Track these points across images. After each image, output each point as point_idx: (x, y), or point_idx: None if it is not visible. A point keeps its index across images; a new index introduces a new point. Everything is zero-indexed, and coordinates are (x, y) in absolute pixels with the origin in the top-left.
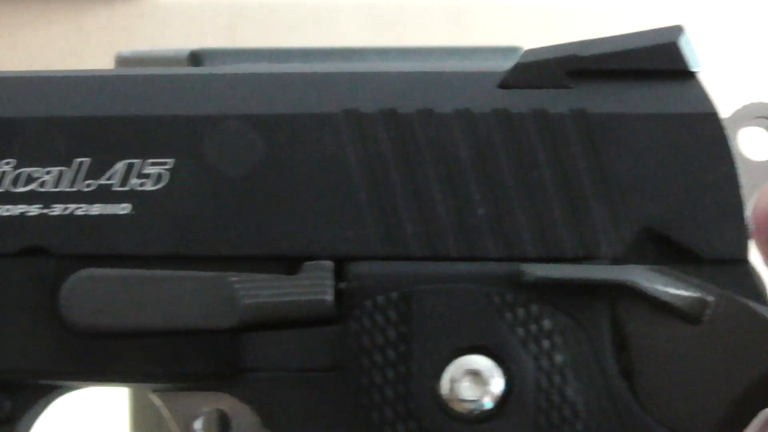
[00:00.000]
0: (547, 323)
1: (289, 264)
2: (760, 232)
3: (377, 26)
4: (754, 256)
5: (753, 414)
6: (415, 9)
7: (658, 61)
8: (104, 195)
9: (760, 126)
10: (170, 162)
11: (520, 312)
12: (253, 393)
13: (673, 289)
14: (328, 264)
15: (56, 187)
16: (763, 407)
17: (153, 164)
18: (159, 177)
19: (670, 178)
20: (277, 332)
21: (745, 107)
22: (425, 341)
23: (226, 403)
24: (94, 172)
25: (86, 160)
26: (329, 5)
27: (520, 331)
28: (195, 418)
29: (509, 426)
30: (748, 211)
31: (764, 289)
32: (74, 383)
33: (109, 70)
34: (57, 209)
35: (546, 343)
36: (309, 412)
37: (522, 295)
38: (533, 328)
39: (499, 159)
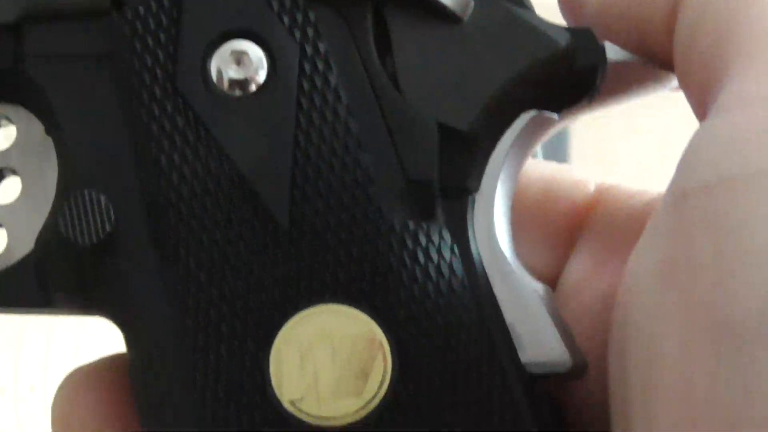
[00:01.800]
0: (312, 14)
1: None
2: None
3: None
4: None
5: (514, 112)
6: None
7: None
8: None
9: None
10: None
11: (287, 1)
12: (34, 85)
13: None
14: None
15: None
16: (522, 108)
17: None
18: None
19: None
20: (57, 22)
21: None
22: (194, 24)
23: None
24: None
25: None
26: None
27: (287, 19)
28: None
29: (273, 103)
30: None
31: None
32: None
33: None
34: None
35: (311, 32)
36: (85, 97)
37: None
38: (299, 17)
39: None
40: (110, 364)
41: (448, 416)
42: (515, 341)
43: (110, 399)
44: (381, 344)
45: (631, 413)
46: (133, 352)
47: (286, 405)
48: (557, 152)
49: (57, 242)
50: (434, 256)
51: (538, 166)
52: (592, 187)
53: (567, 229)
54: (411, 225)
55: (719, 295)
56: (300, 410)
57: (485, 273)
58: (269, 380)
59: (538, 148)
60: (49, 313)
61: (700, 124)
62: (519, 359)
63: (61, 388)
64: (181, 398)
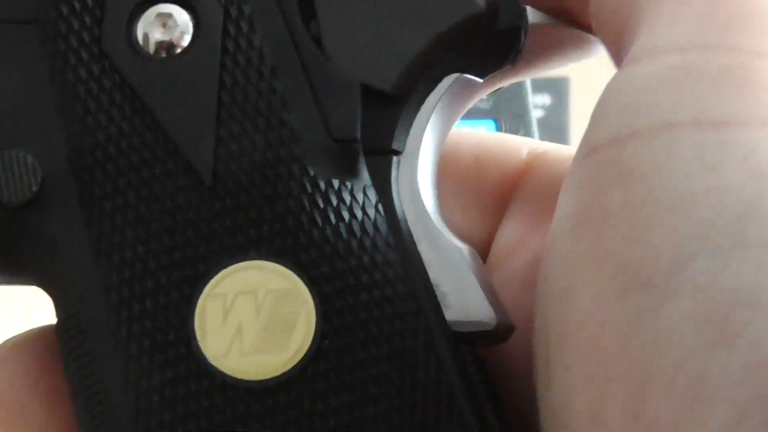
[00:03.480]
0: None
1: None
2: None
3: None
4: None
5: (437, 74)
6: None
7: None
8: None
9: None
10: None
11: None
12: None
13: None
14: None
15: None
16: (446, 70)
17: None
18: None
19: None
20: None
21: None
22: None
23: None
24: None
25: None
26: None
27: None
28: None
29: (198, 64)
30: None
31: None
32: None
33: None
34: None
35: None
36: (13, 61)
37: None
38: None
39: None
40: (39, 334)
41: (373, 372)
42: (440, 299)
43: (39, 367)
44: (305, 300)
45: (551, 367)
46: (60, 312)
47: (211, 359)
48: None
49: None
50: (358, 214)
51: (470, 135)
52: (524, 153)
53: (499, 196)
54: (336, 183)
55: (629, 247)
56: (224, 365)
57: (410, 232)
58: (194, 335)
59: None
60: None
61: (612, 77)
62: (444, 317)
63: None
64: (106, 353)
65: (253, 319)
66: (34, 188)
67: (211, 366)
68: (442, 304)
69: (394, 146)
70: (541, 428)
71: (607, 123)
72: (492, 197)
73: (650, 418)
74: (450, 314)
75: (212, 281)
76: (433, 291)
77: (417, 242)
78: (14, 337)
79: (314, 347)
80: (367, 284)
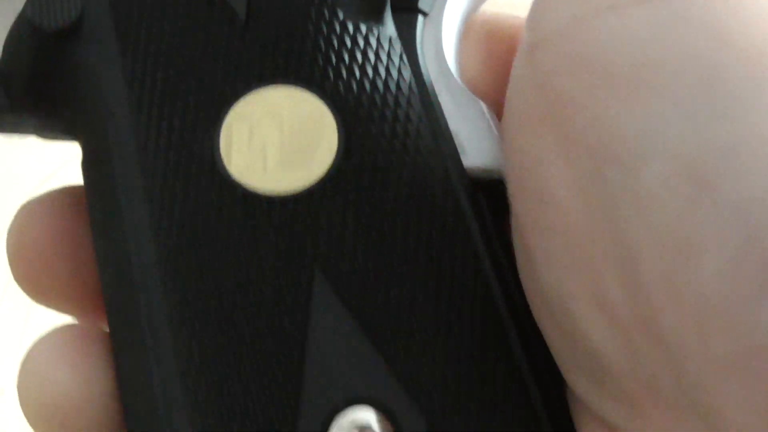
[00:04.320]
0: None
1: None
2: None
3: None
4: None
5: None
6: None
7: None
8: None
9: None
10: None
11: None
12: None
13: None
14: None
15: None
16: None
17: None
18: None
19: None
20: None
21: None
22: None
23: None
24: None
25: None
26: None
27: None
28: None
29: None
30: None
31: None
32: None
33: None
34: None
35: None
36: None
37: None
38: None
39: None
40: (62, 192)
41: (391, 197)
42: (458, 146)
43: (62, 223)
44: (329, 124)
45: (535, 259)
46: (88, 146)
47: (234, 174)
48: None
49: (23, 32)
50: (383, 57)
51: (485, 9)
52: None
53: (507, 74)
54: (363, 28)
55: (594, 127)
56: (247, 180)
57: (432, 85)
58: (219, 152)
59: None
60: (10, 129)
61: None
62: (461, 162)
63: (16, 216)
64: (131, 173)
65: (278, 138)
66: (74, 15)
67: (234, 180)
68: (459, 151)
69: (421, 6)
70: (535, 314)
71: (551, 17)
72: (500, 74)
73: (646, 282)
74: (467, 161)
75: (239, 102)
76: (452, 138)
77: (438, 94)
78: (36, 196)
79: (335, 167)
80: (389, 118)
